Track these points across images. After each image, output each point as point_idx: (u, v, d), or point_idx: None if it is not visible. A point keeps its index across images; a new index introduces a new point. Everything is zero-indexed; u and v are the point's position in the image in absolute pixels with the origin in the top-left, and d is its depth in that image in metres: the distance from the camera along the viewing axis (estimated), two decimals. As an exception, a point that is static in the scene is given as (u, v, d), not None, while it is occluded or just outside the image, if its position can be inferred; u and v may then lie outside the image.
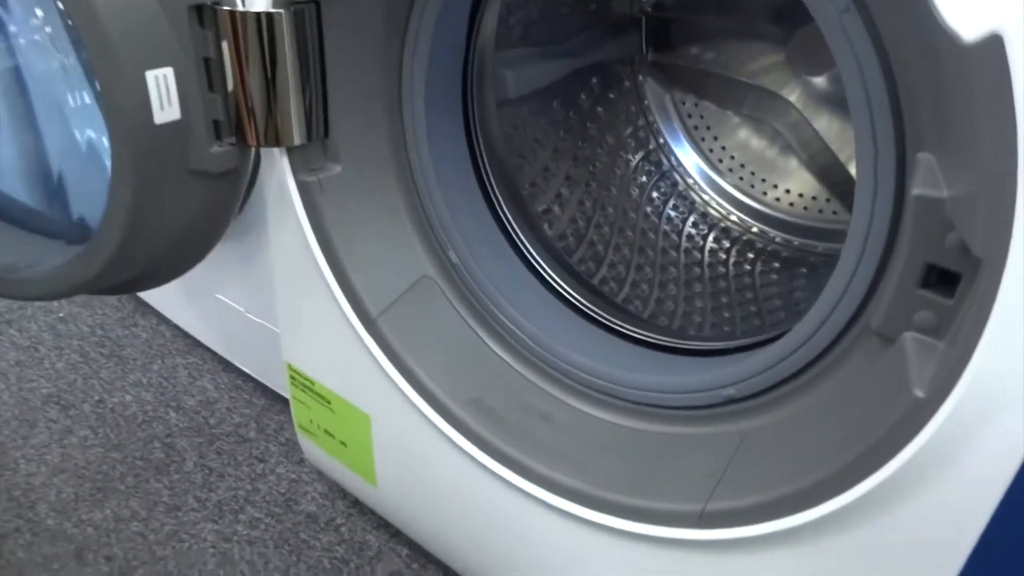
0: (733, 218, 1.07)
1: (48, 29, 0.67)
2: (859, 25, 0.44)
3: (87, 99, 0.69)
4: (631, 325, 0.75)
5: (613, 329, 0.76)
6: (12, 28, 0.66)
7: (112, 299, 1.32)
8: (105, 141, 0.67)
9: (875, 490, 0.47)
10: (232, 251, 0.99)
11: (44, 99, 0.69)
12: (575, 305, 0.78)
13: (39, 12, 0.66)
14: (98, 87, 0.62)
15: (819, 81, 0.95)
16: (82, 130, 0.71)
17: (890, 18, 0.43)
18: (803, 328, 0.55)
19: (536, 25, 0.92)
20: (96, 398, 1.13)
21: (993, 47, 0.35)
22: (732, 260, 1.03)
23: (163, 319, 1.27)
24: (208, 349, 1.21)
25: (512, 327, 0.73)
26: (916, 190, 0.44)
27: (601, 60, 1.02)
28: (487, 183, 0.80)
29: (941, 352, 0.45)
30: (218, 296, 1.07)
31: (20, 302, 1.30)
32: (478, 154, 0.80)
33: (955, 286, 0.45)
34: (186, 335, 1.24)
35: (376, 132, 0.73)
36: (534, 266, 0.79)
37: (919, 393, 0.44)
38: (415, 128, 0.72)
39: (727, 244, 1.05)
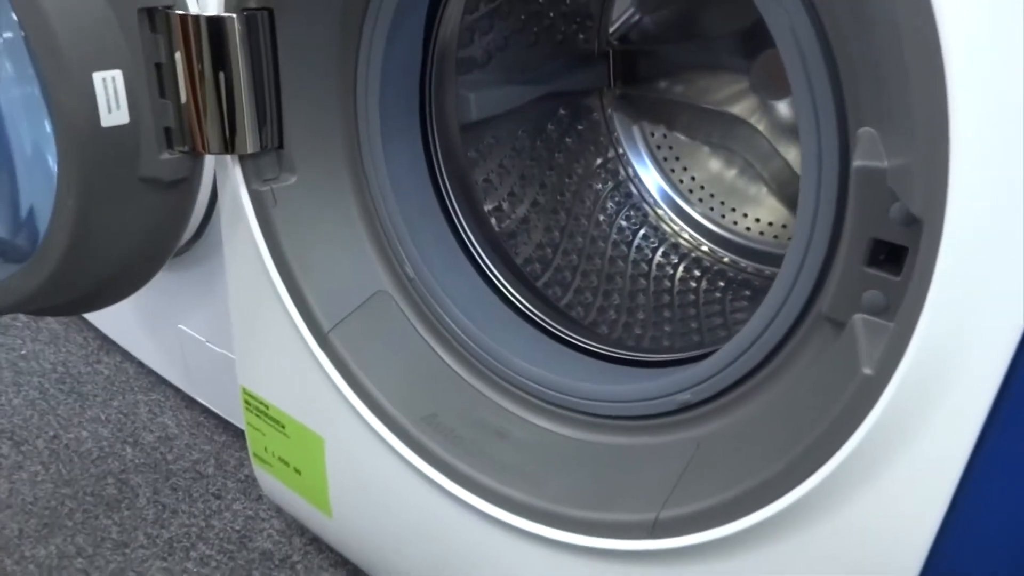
0: (704, 248, 1.07)
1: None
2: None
3: (37, 103, 0.68)
4: (583, 336, 0.73)
5: (568, 342, 0.74)
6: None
7: (77, 337, 1.30)
8: (51, 159, 0.66)
9: (830, 478, 0.44)
10: (193, 278, 0.97)
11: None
12: (531, 318, 0.76)
13: (-8, 19, 0.66)
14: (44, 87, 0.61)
15: (783, 106, 0.96)
16: (29, 139, 0.70)
17: (822, -14, 0.42)
18: (757, 321, 0.53)
19: (501, 52, 0.93)
20: (51, 434, 1.09)
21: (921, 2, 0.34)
22: (703, 288, 1.01)
23: (127, 356, 1.24)
24: (171, 386, 1.18)
25: (468, 341, 0.71)
26: (857, 161, 0.43)
27: (568, 89, 1.03)
28: (447, 199, 0.79)
29: (890, 330, 0.43)
30: (180, 327, 1.05)
31: (-17, 340, 1.27)
32: (437, 171, 0.79)
33: (903, 263, 0.43)
34: (150, 372, 1.21)
35: (331, 143, 0.73)
36: (490, 279, 0.78)
37: (867, 371, 0.42)
38: (370, 141, 0.72)
39: (697, 273, 1.04)
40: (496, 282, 0.79)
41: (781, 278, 0.51)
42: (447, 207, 0.79)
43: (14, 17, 0.61)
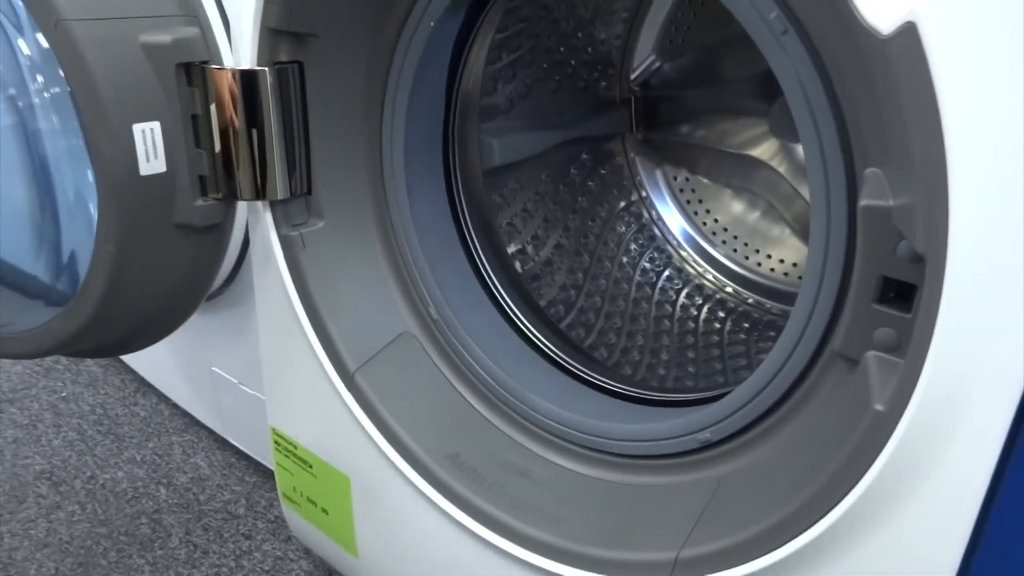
0: (728, 290, 1.07)
1: (46, 94, 0.71)
2: (798, 44, 0.46)
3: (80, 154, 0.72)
4: (606, 376, 0.74)
5: (590, 382, 0.75)
6: (11, 91, 0.69)
7: (115, 379, 1.33)
8: (92, 207, 0.69)
9: (846, 516, 0.44)
10: (226, 322, 1.00)
11: (35, 157, 0.71)
12: (554, 359, 0.77)
13: (39, 78, 0.70)
14: (86, 138, 0.64)
15: (800, 148, 0.97)
16: (73, 188, 0.73)
17: (824, 31, 0.44)
18: (773, 360, 0.54)
19: (524, 99, 0.95)
20: (88, 474, 1.12)
21: (909, 35, 0.35)
22: (728, 329, 1.02)
23: (163, 398, 1.27)
24: (205, 427, 1.20)
25: (491, 382, 0.72)
26: (864, 201, 0.43)
27: (590, 135, 1.05)
28: (470, 242, 0.81)
29: (902, 367, 0.43)
30: (214, 369, 1.08)
31: (26, 383, 1.31)
32: (461, 215, 0.81)
33: (912, 300, 0.44)
34: (184, 413, 1.23)
35: (358, 189, 0.75)
36: (513, 320, 0.79)
37: (879, 407, 0.42)
38: (395, 187, 0.74)
39: (722, 314, 1.04)
40: (519, 323, 0.81)
41: (795, 317, 0.52)
42: (470, 250, 0.81)
43: (61, 73, 0.65)
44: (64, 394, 1.29)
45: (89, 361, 1.37)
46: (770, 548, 0.49)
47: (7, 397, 1.27)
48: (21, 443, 1.17)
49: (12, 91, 0.70)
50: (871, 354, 0.45)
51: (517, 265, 0.94)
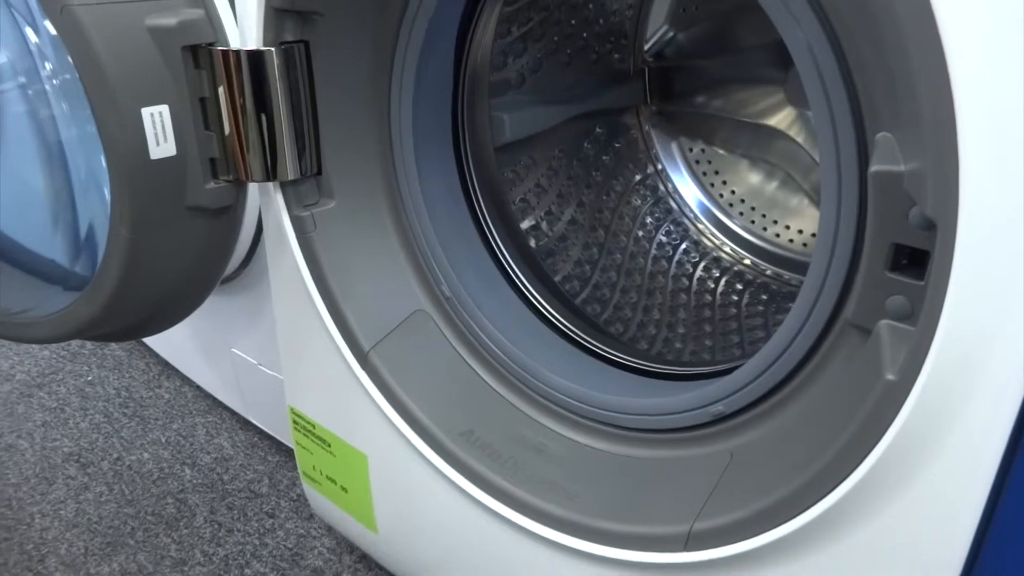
0: (747, 261, 1.06)
1: (56, 81, 0.71)
2: (806, 8, 0.45)
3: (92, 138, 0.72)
4: (620, 351, 0.74)
5: (604, 356, 0.74)
6: (22, 79, 0.70)
7: (140, 363, 1.35)
8: (107, 192, 0.70)
9: (859, 486, 0.44)
10: (244, 304, 1.01)
11: (48, 143, 0.72)
12: (567, 335, 0.77)
13: (48, 64, 0.70)
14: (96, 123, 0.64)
15: (820, 116, 0.95)
16: (87, 174, 0.74)
17: (830, -6, 0.43)
18: (785, 331, 0.53)
19: (535, 74, 0.94)
20: (115, 456, 1.14)
21: (916, -6, 0.34)
22: (745, 302, 1.01)
23: (186, 380, 1.29)
24: (227, 408, 1.22)
25: (505, 358, 0.72)
26: (875, 166, 0.43)
27: (604, 108, 1.04)
28: (482, 219, 0.81)
29: (914, 335, 0.42)
30: (234, 351, 1.09)
31: (53, 368, 1.33)
32: (472, 191, 0.81)
33: (925, 267, 0.43)
34: (207, 395, 1.25)
35: (368, 167, 0.75)
36: (526, 296, 0.79)
37: (890, 377, 0.42)
38: (405, 164, 0.74)
39: (739, 287, 1.03)
40: (533, 300, 0.80)
41: (806, 287, 0.51)
42: (483, 227, 0.81)
43: (70, 60, 0.65)
44: (90, 378, 1.31)
45: (113, 345, 1.39)
46: (783, 520, 0.48)
47: (36, 382, 1.30)
48: (50, 426, 1.20)
49: (23, 79, 0.71)
50: (883, 323, 0.44)
51: (531, 241, 0.94)
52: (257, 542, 0.99)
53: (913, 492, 0.42)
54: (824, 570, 0.48)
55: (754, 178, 1.06)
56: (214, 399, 1.23)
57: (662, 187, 1.10)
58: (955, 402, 0.39)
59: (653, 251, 1.05)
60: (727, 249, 1.07)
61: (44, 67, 0.69)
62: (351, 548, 0.98)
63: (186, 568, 0.95)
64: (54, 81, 0.71)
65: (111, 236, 0.70)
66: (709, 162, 1.08)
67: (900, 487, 0.42)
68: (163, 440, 1.17)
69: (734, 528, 0.51)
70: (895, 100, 0.42)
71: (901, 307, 0.44)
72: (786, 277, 1.03)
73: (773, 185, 1.05)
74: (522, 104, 0.92)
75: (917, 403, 0.40)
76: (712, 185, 1.09)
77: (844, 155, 0.46)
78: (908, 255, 0.44)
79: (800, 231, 1.02)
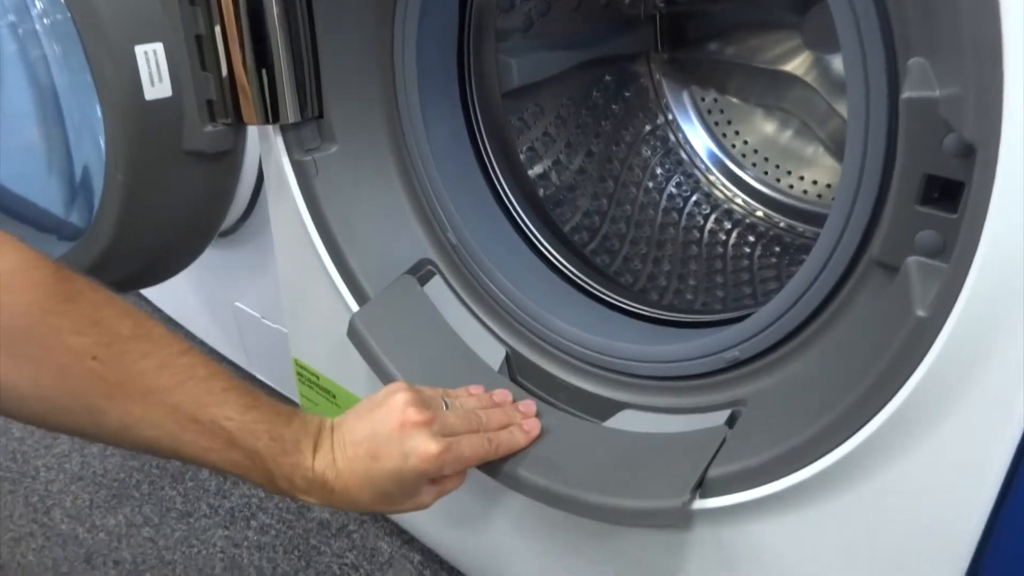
0: (759, 213, 1.04)
1: (47, 21, 0.69)
2: (835, -77, 0.42)
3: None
4: (632, 300, 0.72)
5: (615, 306, 0.72)
6: (11, 18, 0.67)
7: (142, 319, 1.33)
8: (102, 139, 0.68)
9: (886, 426, 0.42)
10: (245, 256, 0.99)
11: (40, 86, 0.70)
12: (578, 284, 0.75)
13: (39, 3, 0.68)
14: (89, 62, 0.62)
15: (838, 62, 0.92)
16: (82, 122, 0.71)
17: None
18: (806, 273, 0.51)
19: (543, 17, 0.91)
20: (119, 411, 1.13)
21: None
22: (757, 254, 0.99)
23: (189, 335, 1.27)
24: (230, 362, 1.20)
25: (512, 306, 0.71)
26: (907, 93, 0.40)
27: (613, 55, 1.01)
28: (489, 167, 0.79)
29: (946, 271, 0.40)
30: (236, 304, 1.07)
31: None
32: (479, 138, 0.78)
33: (958, 200, 0.41)
34: (210, 350, 1.24)
35: (371, 112, 0.73)
36: (536, 246, 0.77)
37: (921, 313, 0.40)
38: (410, 109, 0.71)
39: (752, 239, 1.01)
40: (541, 249, 0.78)
41: (830, 225, 0.49)
42: (490, 175, 0.79)
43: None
44: (93, 334, 1.30)
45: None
46: (807, 462, 0.47)
47: (37, 337, 1.29)
48: (53, 382, 1.19)
49: (12, 17, 0.68)
50: (912, 259, 0.42)
51: (539, 191, 0.92)
52: (262, 495, 0.98)
53: (943, 432, 0.40)
54: (849, 515, 0.47)
55: (768, 127, 1.03)
56: (217, 353, 1.22)
57: (672, 137, 1.08)
58: (989, 338, 0.37)
59: (663, 203, 1.03)
60: (739, 201, 1.04)
61: (35, 5, 0.67)
62: (357, 502, 0.97)
63: (192, 520, 0.95)
64: (45, 21, 0.68)
65: (107, 182, 0.68)
66: (721, 111, 1.05)
67: (929, 427, 0.41)
68: (167, 395, 1.16)
69: (753, 473, 0.49)
70: (930, 21, 0.39)
71: (932, 242, 0.42)
72: (800, 229, 1.00)
73: (788, 134, 1.02)
74: (530, 49, 0.89)
75: (949, 340, 0.38)
76: (724, 135, 1.06)
77: (873, 84, 0.44)
78: (940, 187, 0.41)
79: (815, 182, 1.00)
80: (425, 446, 0.53)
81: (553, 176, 0.95)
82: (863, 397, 0.43)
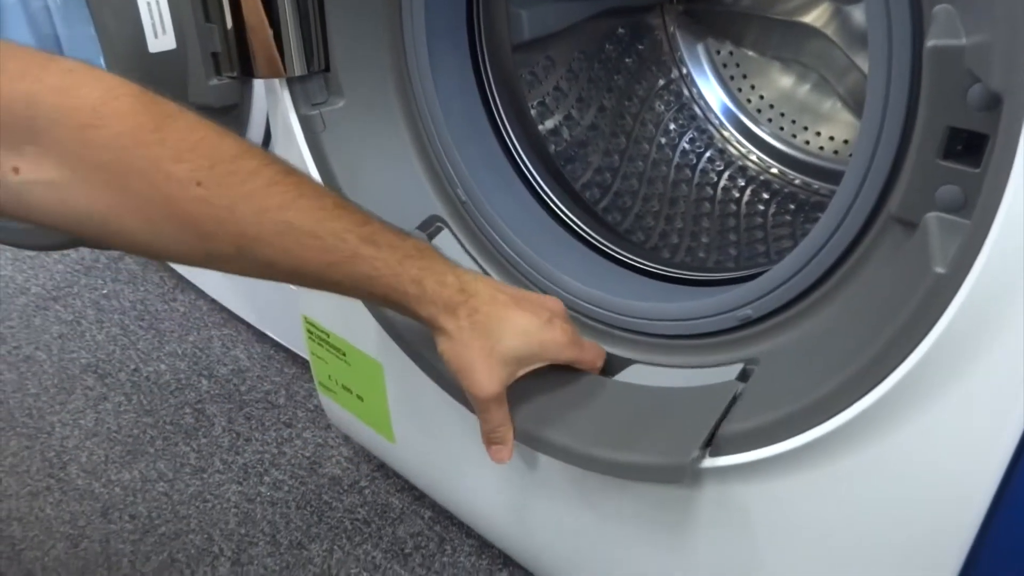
0: (774, 170, 1.02)
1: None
2: None
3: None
4: (643, 258, 0.71)
5: (626, 263, 0.72)
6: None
7: (154, 276, 1.34)
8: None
9: (903, 382, 0.41)
10: (256, 212, 0.98)
11: (41, 36, 0.69)
12: (589, 241, 0.74)
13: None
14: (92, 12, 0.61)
15: (859, 13, 0.89)
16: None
17: None
18: (822, 229, 0.50)
19: (555, -32, 0.89)
20: (132, 367, 1.14)
21: None
22: (772, 212, 0.97)
23: (201, 294, 1.28)
24: (243, 321, 1.21)
25: (522, 263, 0.70)
26: (932, 41, 0.39)
27: (627, 6, 0.98)
28: (499, 122, 0.77)
29: (967, 228, 0.39)
30: (246, 262, 1.07)
31: (68, 281, 1.33)
32: (489, 93, 0.77)
33: (982, 153, 0.39)
34: (222, 308, 1.24)
35: (379, 65, 0.71)
36: (547, 203, 0.76)
37: (939, 270, 0.39)
38: (418, 63, 0.70)
39: (766, 196, 0.99)
40: (552, 205, 0.77)
41: (847, 180, 0.47)
42: (499, 130, 0.77)
43: (60, -56, 0.61)
44: (105, 291, 1.31)
45: (128, 259, 1.38)
46: (821, 420, 0.46)
47: (51, 295, 1.29)
48: (66, 338, 1.20)
49: (14, -33, 0.67)
50: (932, 215, 0.41)
51: (550, 147, 0.90)
52: (275, 451, 0.99)
53: (959, 390, 0.40)
54: (862, 474, 0.47)
55: (784, 81, 1.01)
56: (229, 312, 1.23)
57: (686, 92, 1.05)
58: (1009, 296, 0.37)
59: (676, 159, 1.01)
60: (753, 158, 1.03)
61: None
62: (368, 457, 0.98)
63: (205, 475, 0.96)
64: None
65: (113, 136, 0.67)
66: (737, 65, 1.03)
67: (945, 386, 0.40)
68: (179, 352, 1.17)
69: (767, 431, 0.49)
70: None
71: (953, 197, 0.41)
72: (815, 186, 0.99)
73: (804, 89, 0.99)
74: (539, 0, 0.87)
75: (968, 297, 0.37)
76: (739, 90, 1.04)
77: (896, 32, 0.42)
78: (963, 141, 0.40)
79: (832, 138, 0.98)
80: (564, 330, 0.57)
81: (564, 132, 0.93)
82: (878, 355, 0.42)
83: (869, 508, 0.47)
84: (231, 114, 0.70)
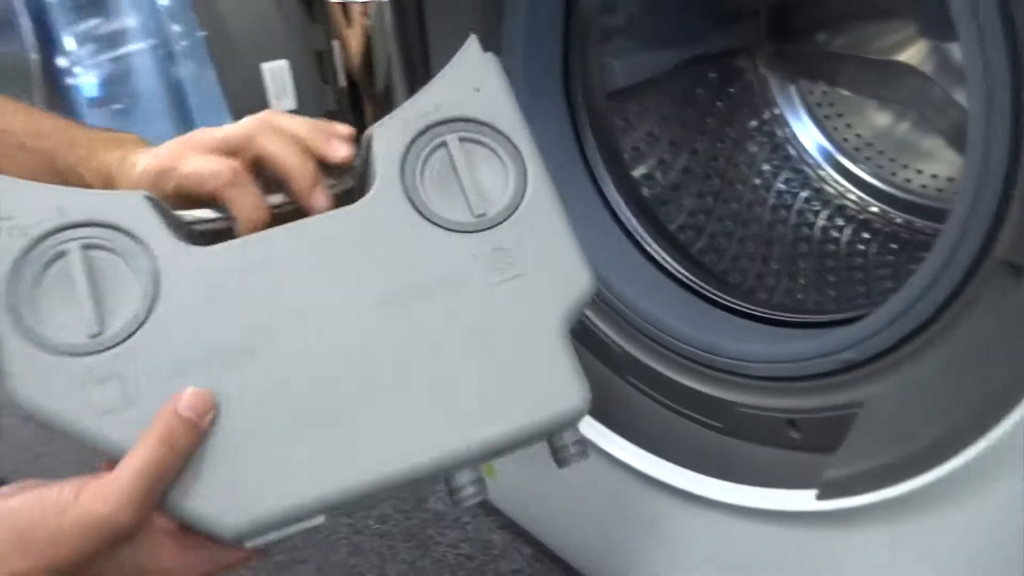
0: (874, 209, 1.00)
1: (184, 43, 0.74)
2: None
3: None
4: (741, 300, 0.71)
5: (722, 305, 0.72)
6: (152, 41, 0.73)
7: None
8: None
9: (1012, 432, 0.41)
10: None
11: (177, 103, 0.75)
12: (685, 283, 0.75)
13: (176, 26, 0.73)
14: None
15: (956, 49, 0.88)
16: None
17: None
18: (926, 272, 0.50)
19: (646, 17, 0.91)
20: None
21: None
22: (872, 251, 0.95)
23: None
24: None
25: (620, 304, 0.71)
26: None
27: (717, 51, 1.00)
28: (593, 167, 0.80)
29: (1080, 269, 0.39)
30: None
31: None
32: (583, 138, 0.80)
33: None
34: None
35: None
36: (642, 246, 0.77)
37: (1053, 313, 0.38)
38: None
39: (867, 236, 0.98)
40: (647, 248, 0.79)
41: (951, 223, 0.47)
42: (593, 176, 0.80)
43: (195, 19, 0.68)
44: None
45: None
46: (928, 467, 0.46)
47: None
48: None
49: (153, 40, 0.74)
50: (1042, 257, 0.41)
51: (644, 191, 0.92)
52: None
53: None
54: (967, 523, 0.46)
55: (882, 120, 1.00)
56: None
57: (780, 132, 1.06)
58: None
59: (771, 200, 1.01)
60: (852, 197, 1.01)
61: (172, 28, 0.72)
62: (466, 496, 1.00)
63: (312, 511, 1.00)
64: (182, 43, 0.74)
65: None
66: (831, 104, 1.02)
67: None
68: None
69: (873, 475, 0.49)
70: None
71: (1064, 240, 0.40)
72: (918, 225, 0.96)
73: (903, 126, 0.98)
74: (632, 49, 0.89)
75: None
76: (835, 129, 1.03)
77: (994, 68, 0.42)
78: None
79: (934, 175, 0.96)
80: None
81: (658, 175, 0.95)
82: (986, 404, 0.42)
83: (965, 563, 0.46)
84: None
